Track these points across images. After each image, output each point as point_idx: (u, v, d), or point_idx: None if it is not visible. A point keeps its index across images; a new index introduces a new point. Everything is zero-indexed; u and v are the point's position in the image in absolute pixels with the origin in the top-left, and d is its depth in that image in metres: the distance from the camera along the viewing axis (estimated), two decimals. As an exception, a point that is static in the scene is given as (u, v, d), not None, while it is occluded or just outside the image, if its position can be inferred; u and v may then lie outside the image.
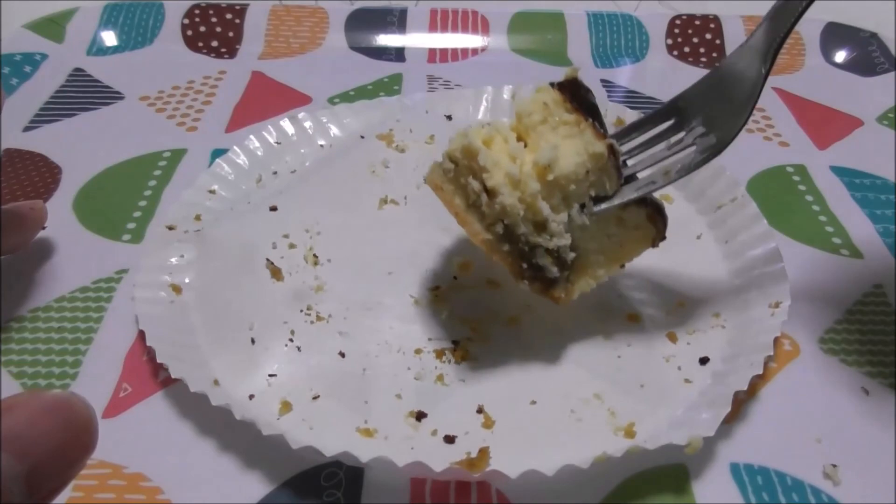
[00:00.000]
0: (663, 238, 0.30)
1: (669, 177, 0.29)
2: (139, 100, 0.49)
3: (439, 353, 0.31)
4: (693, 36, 0.58)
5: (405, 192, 0.39)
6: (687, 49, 0.57)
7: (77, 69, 0.52)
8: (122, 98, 0.50)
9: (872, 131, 0.49)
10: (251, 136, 0.42)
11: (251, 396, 0.29)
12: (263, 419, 0.27)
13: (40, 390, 0.25)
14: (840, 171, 0.45)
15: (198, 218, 0.38)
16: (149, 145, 0.45)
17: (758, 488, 0.28)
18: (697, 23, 0.58)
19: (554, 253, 0.28)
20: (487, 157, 0.27)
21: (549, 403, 0.30)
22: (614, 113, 0.44)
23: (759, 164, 0.45)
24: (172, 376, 0.29)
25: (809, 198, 0.43)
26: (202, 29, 0.56)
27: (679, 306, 0.34)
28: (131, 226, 0.39)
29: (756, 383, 0.31)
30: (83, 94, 0.50)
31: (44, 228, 0.36)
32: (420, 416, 0.29)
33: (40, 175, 0.42)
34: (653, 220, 0.30)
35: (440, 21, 0.58)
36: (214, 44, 0.56)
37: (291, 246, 0.36)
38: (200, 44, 0.56)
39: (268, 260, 0.34)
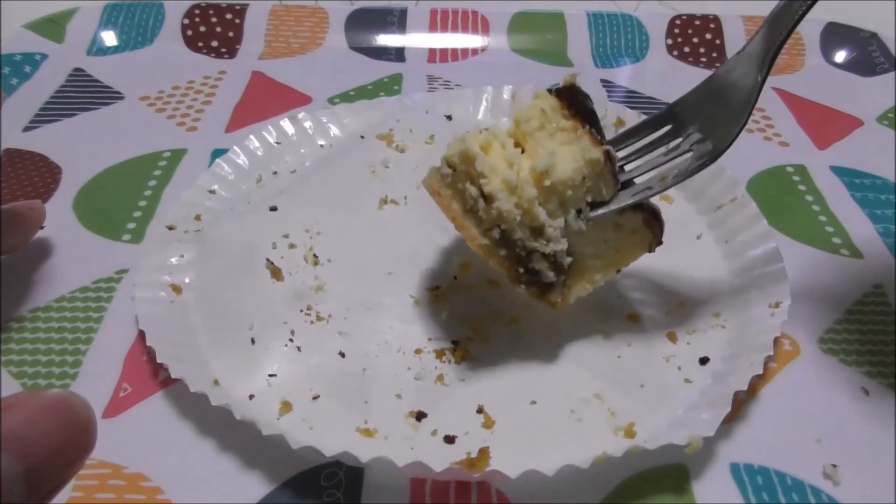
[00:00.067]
0: (660, 243, 0.30)
1: (666, 182, 0.29)
2: (139, 100, 0.49)
3: (439, 353, 0.31)
4: (693, 36, 0.58)
5: (405, 192, 0.39)
6: (687, 49, 0.57)
7: (77, 69, 0.52)
8: (122, 98, 0.50)
9: (872, 131, 0.49)
10: (251, 136, 0.42)
11: (251, 396, 0.29)
12: (263, 419, 0.27)
13: (40, 390, 0.25)
14: (840, 171, 0.45)
15: (198, 218, 0.38)
16: (149, 145, 0.45)
17: (758, 488, 0.28)
18: (697, 23, 0.58)
19: (550, 258, 0.28)
20: (485, 163, 0.27)
21: (549, 403, 0.30)
22: (614, 113, 0.44)
23: (759, 164, 0.45)
24: (172, 376, 0.29)
25: (809, 198, 0.43)
26: (202, 29, 0.56)
27: (679, 306, 0.34)
28: (131, 226, 0.39)
29: (756, 383, 0.31)
30: (83, 94, 0.50)
31: (42, 228, 0.36)
32: (420, 416, 0.29)
33: (40, 175, 0.42)
34: (649, 225, 0.30)
35: (440, 21, 0.58)
36: (214, 44, 0.56)
37: (291, 246, 0.36)
38: (200, 44, 0.56)
39: (268, 260, 0.34)
